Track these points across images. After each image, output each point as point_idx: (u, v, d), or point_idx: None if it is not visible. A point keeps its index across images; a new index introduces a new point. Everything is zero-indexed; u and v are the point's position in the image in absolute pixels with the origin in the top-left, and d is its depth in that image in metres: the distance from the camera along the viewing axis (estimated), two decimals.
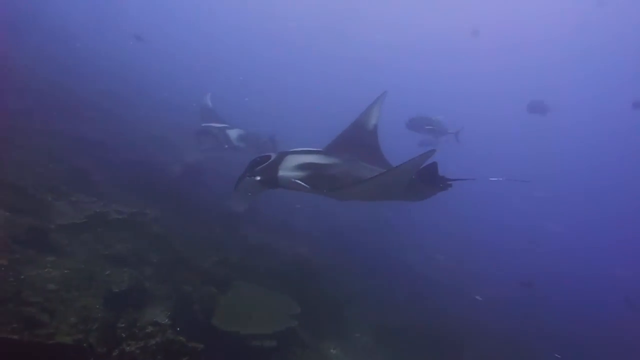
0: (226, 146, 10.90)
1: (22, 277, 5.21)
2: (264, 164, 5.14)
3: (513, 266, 19.36)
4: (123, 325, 4.84)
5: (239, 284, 7.66)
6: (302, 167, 5.07)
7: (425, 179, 4.99)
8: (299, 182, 4.87)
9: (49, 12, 19.10)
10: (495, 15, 43.48)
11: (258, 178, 4.99)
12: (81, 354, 4.09)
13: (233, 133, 11.07)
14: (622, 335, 14.84)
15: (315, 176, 5.00)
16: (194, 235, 8.63)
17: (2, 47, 13.45)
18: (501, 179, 5.25)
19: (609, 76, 42.73)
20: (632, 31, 37.71)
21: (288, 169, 5.03)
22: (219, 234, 9.41)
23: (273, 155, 5.28)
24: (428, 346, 9.57)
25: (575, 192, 35.96)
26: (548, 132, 39.87)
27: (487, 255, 20.45)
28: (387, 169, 5.32)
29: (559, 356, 11.21)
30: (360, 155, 5.85)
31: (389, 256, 16.29)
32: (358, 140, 6.14)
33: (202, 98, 12.75)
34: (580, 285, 18.91)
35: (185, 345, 4.43)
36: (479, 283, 17.05)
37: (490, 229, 23.89)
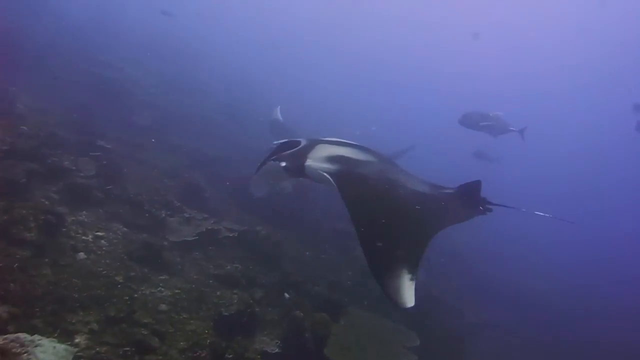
0: None
1: (136, 295, 5.26)
2: (293, 150, 4.71)
3: None
4: (231, 356, 4.62)
5: (353, 310, 7.26)
6: (333, 159, 4.52)
7: (466, 198, 4.48)
8: (326, 175, 4.29)
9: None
10: (497, 17, 45.82)
11: (283, 164, 4.54)
12: None
13: None
14: None
15: (346, 172, 4.42)
16: (304, 256, 8.41)
17: (129, 70, 14.52)
18: (548, 215, 4.79)
19: (611, 76, 43.16)
20: (635, 31, 38.56)
21: (317, 159, 4.51)
22: (329, 254, 9.11)
23: (304, 141, 4.86)
24: None
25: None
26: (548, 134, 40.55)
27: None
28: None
29: None
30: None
31: (514, 282, 15.10)
32: None
33: (272, 112, 12.18)
34: None
35: None
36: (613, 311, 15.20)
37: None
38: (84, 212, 6.42)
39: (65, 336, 4.24)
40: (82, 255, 5.52)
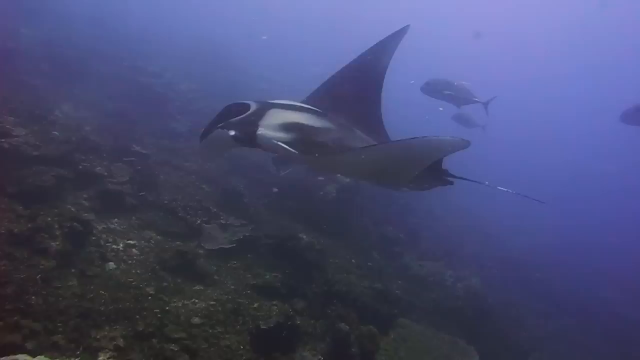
0: None
1: (167, 308, 4.95)
2: (241, 116, 4.18)
3: None
4: None
5: (403, 322, 6.83)
6: (288, 127, 4.11)
7: (426, 169, 4.09)
8: (283, 146, 3.89)
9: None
10: (498, 17, 46.93)
11: (232, 133, 4.04)
12: None
13: None
14: None
15: (303, 141, 4.03)
16: (349, 264, 7.95)
17: (169, 75, 14.54)
18: (512, 191, 4.45)
19: (611, 76, 44.19)
20: (635, 32, 39.86)
21: (271, 128, 4.07)
22: (377, 261, 8.64)
23: (253, 105, 4.32)
24: None
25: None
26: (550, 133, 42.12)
27: None
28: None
29: None
30: (357, 120, 4.94)
31: (578, 290, 14.08)
32: (355, 92, 5.17)
33: None
34: None
35: None
36: None
37: None
38: (115, 219, 6.22)
39: (88, 353, 3.96)
40: (111, 265, 5.28)
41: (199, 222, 6.87)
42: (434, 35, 50.31)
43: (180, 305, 5.12)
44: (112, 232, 5.90)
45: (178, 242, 6.27)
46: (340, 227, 9.26)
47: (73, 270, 4.84)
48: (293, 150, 3.83)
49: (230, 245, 6.61)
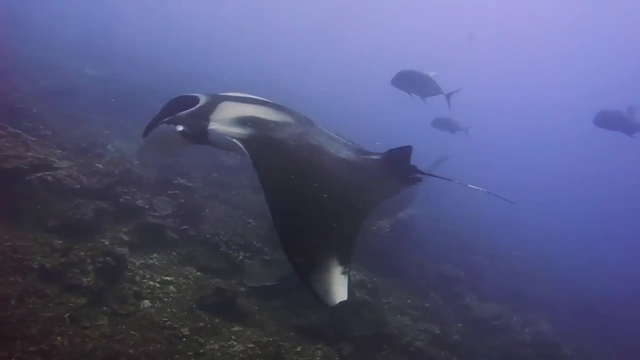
0: None
1: (202, 351, 4.62)
2: (191, 109, 3.77)
3: None
4: None
5: None
6: (243, 121, 3.68)
7: (394, 165, 4.03)
8: (236, 142, 3.41)
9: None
10: (492, 17, 47.64)
11: (181, 128, 3.62)
12: None
13: None
14: None
15: (261, 138, 3.59)
16: (404, 304, 7.44)
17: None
18: (482, 189, 4.32)
19: (604, 77, 44.61)
20: (628, 33, 40.84)
21: (224, 122, 3.66)
22: (434, 302, 8.05)
23: (203, 98, 3.92)
24: None
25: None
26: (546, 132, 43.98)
27: None
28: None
29: None
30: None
31: None
32: None
33: None
34: None
35: None
36: None
37: None
38: (154, 254, 6.02)
39: None
40: (146, 302, 5.04)
41: (241, 257, 6.58)
42: (428, 37, 52.36)
43: (216, 347, 4.78)
44: (149, 267, 5.69)
45: (218, 279, 5.98)
46: (395, 265, 8.77)
47: (104, 309, 4.62)
48: (246, 152, 3.47)
49: (274, 283, 6.25)
